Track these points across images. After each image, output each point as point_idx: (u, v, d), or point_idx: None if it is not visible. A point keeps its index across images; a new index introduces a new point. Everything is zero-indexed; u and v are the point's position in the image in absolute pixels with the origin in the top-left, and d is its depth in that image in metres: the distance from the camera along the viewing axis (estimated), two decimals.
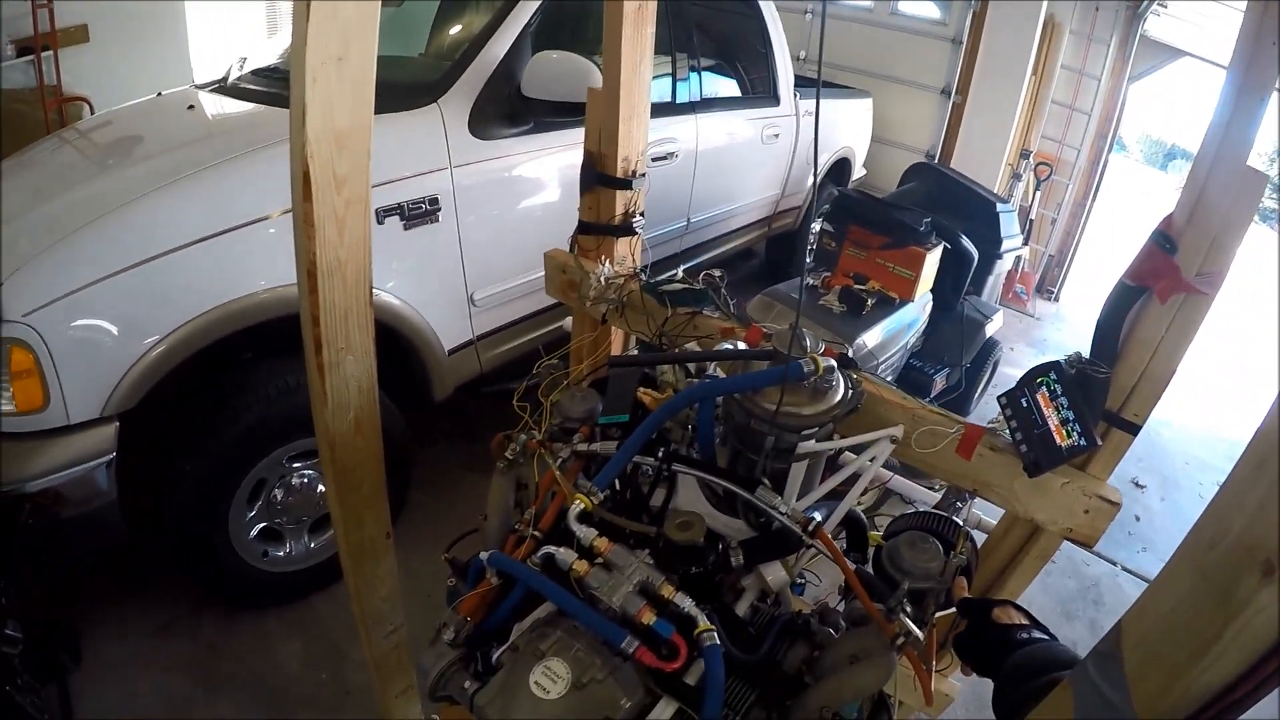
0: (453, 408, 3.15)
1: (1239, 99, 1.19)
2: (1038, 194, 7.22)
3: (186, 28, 6.03)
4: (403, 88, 2.76)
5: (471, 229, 2.81)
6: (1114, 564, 3.88)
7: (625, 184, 1.84)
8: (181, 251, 2.14)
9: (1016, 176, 7.12)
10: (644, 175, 1.88)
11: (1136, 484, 4.64)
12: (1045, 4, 6.51)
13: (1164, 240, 1.27)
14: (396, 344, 2.76)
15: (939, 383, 3.69)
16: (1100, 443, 1.35)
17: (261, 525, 2.59)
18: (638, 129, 1.85)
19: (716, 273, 1.71)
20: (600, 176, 1.84)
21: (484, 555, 1.24)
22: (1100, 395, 1.36)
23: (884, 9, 7.33)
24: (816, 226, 5.73)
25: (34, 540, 2.17)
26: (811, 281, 3.30)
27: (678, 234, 4.14)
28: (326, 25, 1.16)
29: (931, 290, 3.53)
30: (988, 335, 4.06)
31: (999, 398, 1.45)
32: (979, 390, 4.29)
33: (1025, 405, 1.41)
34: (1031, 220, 7.16)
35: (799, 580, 1.47)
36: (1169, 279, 1.26)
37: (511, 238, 3.02)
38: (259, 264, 2.29)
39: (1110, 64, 6.98)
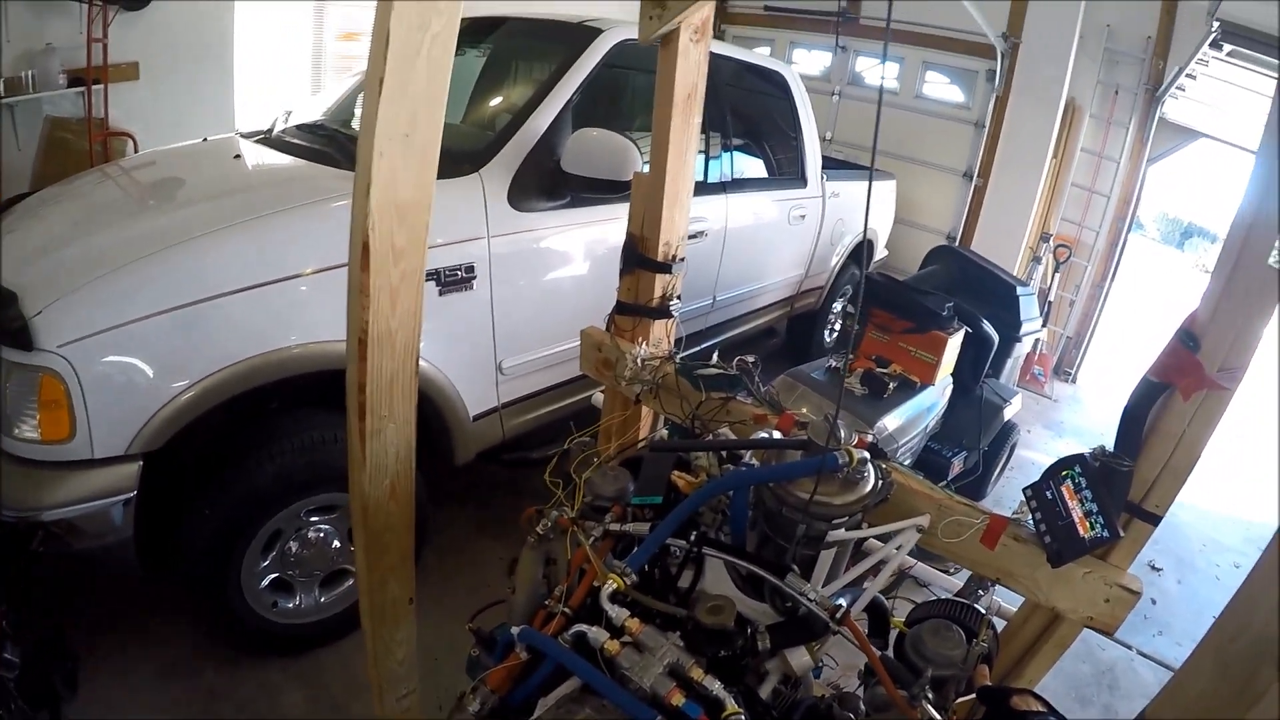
0: (466, 471, 3.14)
1: (1262, 202, 1.24)
2: (1057, 276, 7.26)
3: (234, 75, 6.18)
4: (445, 155, 2.80)
5: (504, 298, 2.84)
6: (1129, 648, 3.81)
7: (665, 268, 1.89)
8: (220, 300, 2.16)
9: (1036, 259, 7.17)
10: (683, 260, 1.93)
11: (1153, 567, 4.58)
12: (1066, 89, 6.63)
13: (1188, 338, 1.31)
14: (421, 407, 2.75)
15: (956, 465, 3.69)
16: (1123, 534, 1.37)
17: (274, 576, 2.57)
18: (680, 215, 1.90)
19: (750, 358, 1.75)
20: (641, 259, 1.89)
21: (515, 630, 1.26)
22: (1123, 488, 1.39)
23: (909, 92, 7.51)
24: (839, 306, 5.81)
25: (42, 568, 2.17)
26: (833, 364, 3.33)
27: (703, 311, 4.16)
28: (397, 101, 1.22)
29: (951, 373, 3.55)
30: (1006, 419, 4.06)
31: (1024, 490, 1.47)
32: (996, 473, 4.28)
33: (1050, 497, 1.43)
34: (1050, 302, 7.19)
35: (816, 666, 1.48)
36: (1193, 376, 1.30)
37: (542, 309, 3.05)
38: (293, 319, 2.31)
39: (1129, 146, 7.06)
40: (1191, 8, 6.14)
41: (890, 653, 1.33)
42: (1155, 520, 1.39)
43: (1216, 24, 4.50)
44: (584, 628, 1.17)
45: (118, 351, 2.04)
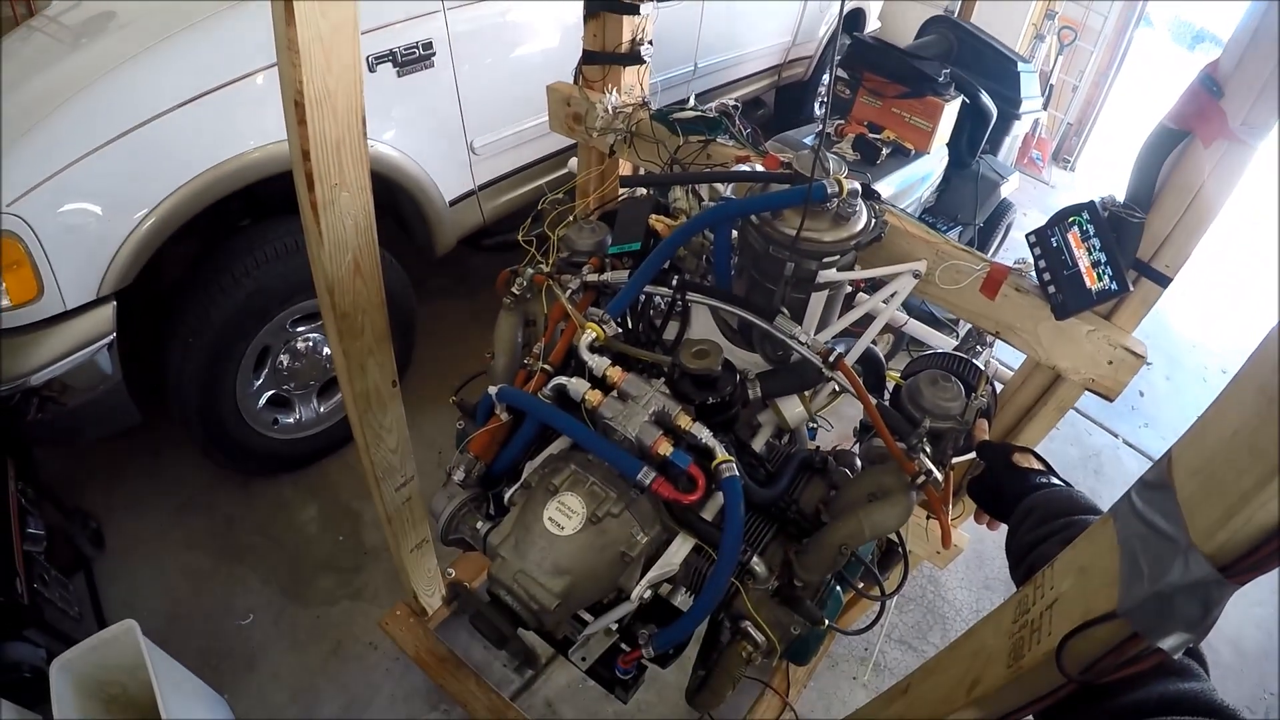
0: (453, 263, 3.09)
1: None
2: (1060, 59, 6.93)
3: None
4: None
5: (468, 73, 2.67)
6: (1115, 436, 3.90)
7: (633, 9, 1.71)
8: (163, 118, 2.03)
9: (1039, 38, 6.82)
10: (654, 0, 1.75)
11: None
12: None
13: (1210, 83, 1.18)
14: (395, 197, 2.68)
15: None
16: (1131, 288, 1.28)
17: (270, 393, 2.58)
18: None
19: (731, 101, 1.61)
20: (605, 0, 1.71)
21: (493, 390, 1.20)
22: (1134, 240, 1.29)
23: None
24: (828, 77, 5.55)
25: (46, 435, 2.18)
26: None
27: (684, 79, 3.97)
28: None
29: (948, 145, 3.40)
30: (1002, 196, 3.94)
31: (1028, 235, 1.38)
32: (991, 251, 4.20)
33: (1055, 245, 1.34)
34: (1052, 85, 6.89)
35: (811, 425, 1.44)
36: (1214, 122, 1.18)
37: (511, 81, 2.88)
38: (247, 122, 2.19)
39: None
40: None
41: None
42: (1165, 281, 1.30)
43: None
44: (563, 380, 1.11)
45: (68, 196, 1.94)
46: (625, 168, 1.85)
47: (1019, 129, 4.25)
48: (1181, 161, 1.24)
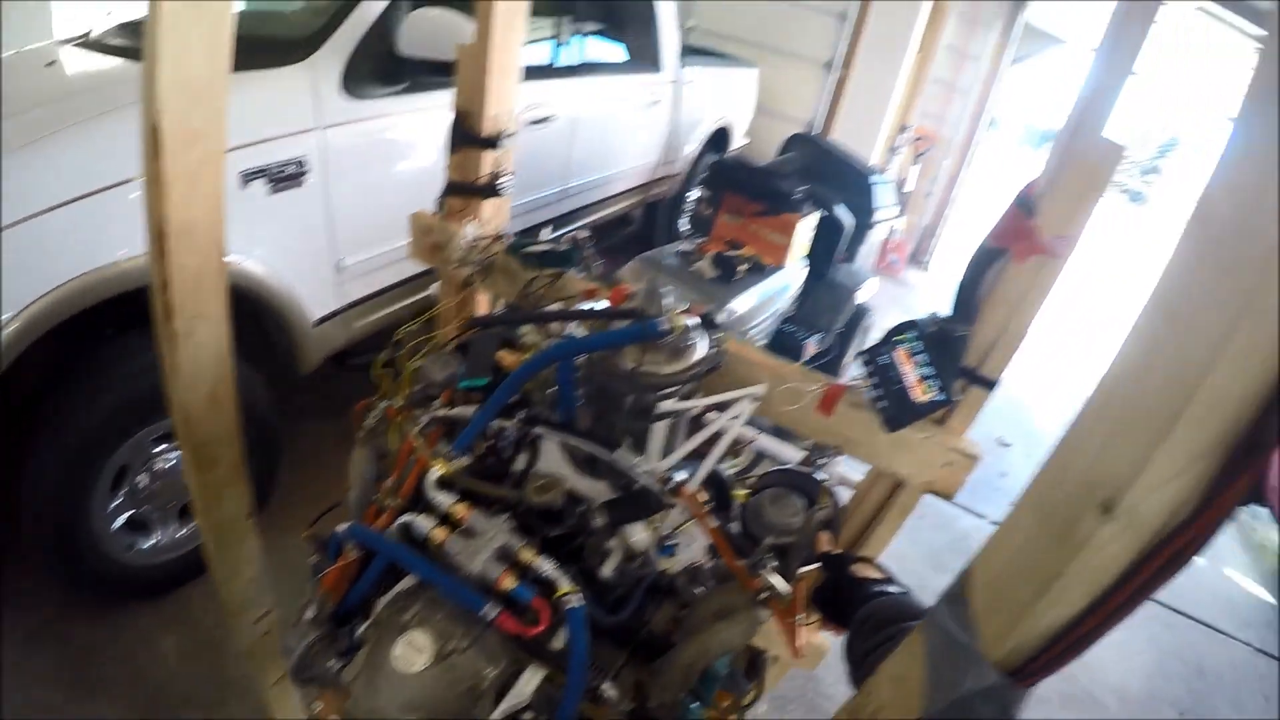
0: (323, 382, 3.03)
1: (1103, 76, 1.25)
2: (915, 167, 7.43)
3: None
4: (273, 43, 2.65)
5: (341, 192, 2.70)
6: (982, 518, 4.07)
7: (492, 143, 1.79)
8: (33, 221, 1.97)
9: (893, 150, 7.31)
10: (513, 135, 1.83)
11: (1002, 443, 4.85)
12: None
13: (1025, 204, 1.32)
14: (257, 315, 2.64)
15: (810, 347, 3.78)
16: (956, 398, 1.38)
17: (127, 514, 2.45)
18: (508, 86, 1.78)
19: (584, 233, 1.69)
20: (467, 135, 1.78)
21: (341, 528, 1.20)
22: (958, 352, 1.40)
23: None
24: (696, 193, 5.81)
25: None
26: (685, 248, 3.32)
27: (554, 199, 4.09)
28: None
29: (806, 257, 3.59)
30: (859, 302, 4.17)
31: (860, 354, 1.48)
32: (850, 355, 4.41)
33: (883, 363, 1.44)
34: (907, 193, 7.37)
35: (670, 543, 1.48)
36: (1027, 240, 1.31)
37: (383, 201, 2.91)
38: (120, 231, 2.13)
39: (993, 47, 7.23)
40: None
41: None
42: (991, 385, 1.41)
43: None
44: (409, 517, 1.12)
45: None
46: (485, 299, 1.90)
47: (875, 237, 4.53)
48: (1002, 276, 1.36)
